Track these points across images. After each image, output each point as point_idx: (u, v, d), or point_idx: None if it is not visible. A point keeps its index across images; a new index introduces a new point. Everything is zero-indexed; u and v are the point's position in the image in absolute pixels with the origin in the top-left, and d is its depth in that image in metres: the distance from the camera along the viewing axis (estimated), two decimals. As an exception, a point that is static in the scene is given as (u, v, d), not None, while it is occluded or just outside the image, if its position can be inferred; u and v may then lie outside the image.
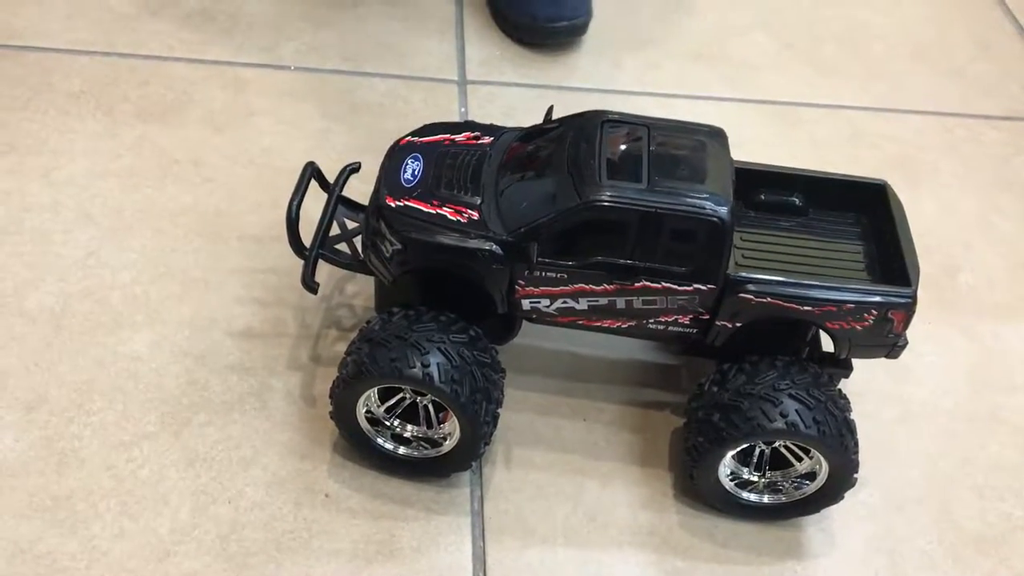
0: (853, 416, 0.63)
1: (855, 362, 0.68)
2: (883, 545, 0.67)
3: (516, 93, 0.98)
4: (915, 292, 0.62)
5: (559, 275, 0.62)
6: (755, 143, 0.96)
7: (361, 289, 0.76)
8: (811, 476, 0.64)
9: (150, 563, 0.61)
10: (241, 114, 0.90)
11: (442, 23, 1.04)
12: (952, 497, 0.71)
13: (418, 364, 0.60)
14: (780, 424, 0.60)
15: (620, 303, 0.63)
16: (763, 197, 0.69)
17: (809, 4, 1.15)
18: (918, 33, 1.13)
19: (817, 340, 0.68)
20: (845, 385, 0.72)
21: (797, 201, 0.69)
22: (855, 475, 0.63)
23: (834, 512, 0.67)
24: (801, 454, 0.64)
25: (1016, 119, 1.04)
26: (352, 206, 0.70)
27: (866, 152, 0.97)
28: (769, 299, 0.62)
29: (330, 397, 0.64)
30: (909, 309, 0.62)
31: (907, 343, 0.64)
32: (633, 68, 1.03)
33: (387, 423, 0.65)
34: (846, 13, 1.14)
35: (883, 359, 0.66)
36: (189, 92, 0.92)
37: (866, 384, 0.75)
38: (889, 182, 0.71)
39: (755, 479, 0.65)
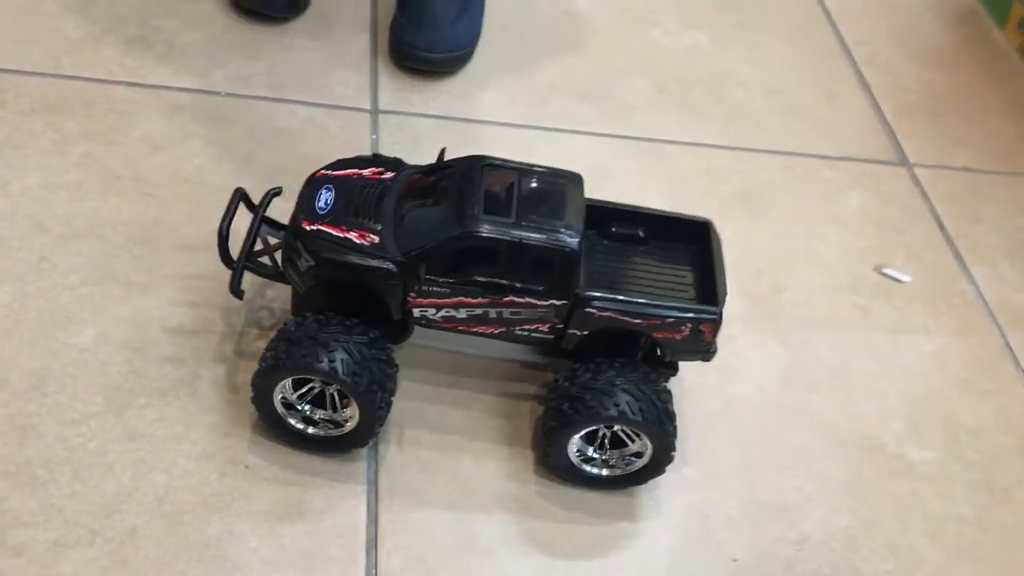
0: (676, 407, 0.80)
1: (685, 365, 0.84)
2: (699, 510, 0.84)
3: (422, 123, 1.12)
4: (720, 311, 0.79)
5: (443, 290, 0.77)
6: (624, 175, 1.12)
7: (279, 295, 0.90)
8: (639, 454, 0.80)
9: (99, 519, 0.74)
10: (177, 135, 1.03)
11: (358, 56, 1.18)
12: (757, 474, 0.88)
13: (325, 359, 0.74)
14: (613, 412, 0.76)
15: (492, 313, 0.78)
16: (614, 229, 0.85)
17: (685, 54, 1.31)
18: (774, 82, 1.31)
19: (654, 345, 0.84)
20: (680, 382, 0.89)
21: (640, 233, 0.85)
22: (672, 453, 0.79)
23: (661, 483, 0.83)
24: (633, 436, 0.80)
25: (848, 160, 1.22)
26: (274, 224, 0.84)
27: (717, 186, 1.14)
28: (609, 313, 0.78)
29: (252, 385, 0.77)
30: (716, 323, 0.79)
31: (717, 350, 0.81)
32: (526, 104, 1.18)
33: (299, 408, 0.79)
34: (715, 63, 1.31)
35: (705, 362, 0.83)
36: (130, 113, 1.03)
37: (697, 381, 0.92)
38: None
39: (597, 456, 0.81)
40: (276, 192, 0.84)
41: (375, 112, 1.12)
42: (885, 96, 1.33)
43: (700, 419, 0.90)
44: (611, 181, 1.09)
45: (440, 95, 1.16)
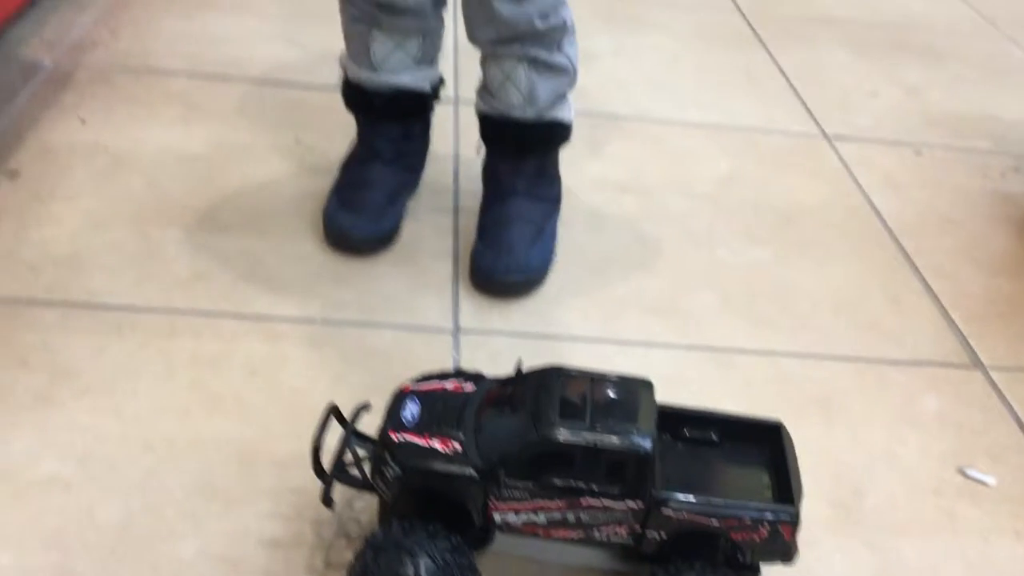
0: None
1: (769, 570, 0.84)
2: None
3: (501, 340, 1.19)
4: (798, 510, 0.80)
5: (522, 494, 0.80)
6: (698, 384, 1.16)
7: (367, 507, 0.93)
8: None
9: None
10: (276, 360, 1.11)
11: (441, 282, 1.27)
12: None
13: (410, 566, 0.77)
14: (695, 616, 0.76)
15: (571, 517, 0.81)
16: (687, 433, 0.88)
17: (749, 269, 1.38)
18: (839, 293, 1.35)
19: (734, 548, 0.85)
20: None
21: (713, 436, 0.88)
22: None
23: None
24: (719, 643, 0.79)
25: (921, 364, 1.24)
26: (363, 438, 0.89)
27: (790, 392, 1.17)
28: (685, 514, 0.79)
29: (341, 594, 0.80)
30: (794, 523, 0.79)
31: (797, 551, 0.81)
32: (598, 319, 1.25)
33: (385, 615, 0.81)
34: (779, 277, 1.37)
35: (787, 564, 0.83)
36: (233, 342, 1.13)
37: (783, 588, 0.91)
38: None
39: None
40: (365, 407, 0.90)
41: (456, 332, 1.19)
42: (952, 303, 1.36)
43: (788, 627, 0.88)
44: (685, 390, 1.12)
45: (517, 314, 1.23)
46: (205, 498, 0.94)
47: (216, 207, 1.34)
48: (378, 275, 1.26)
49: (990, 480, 1.07)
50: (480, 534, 0.84)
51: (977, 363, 1.25)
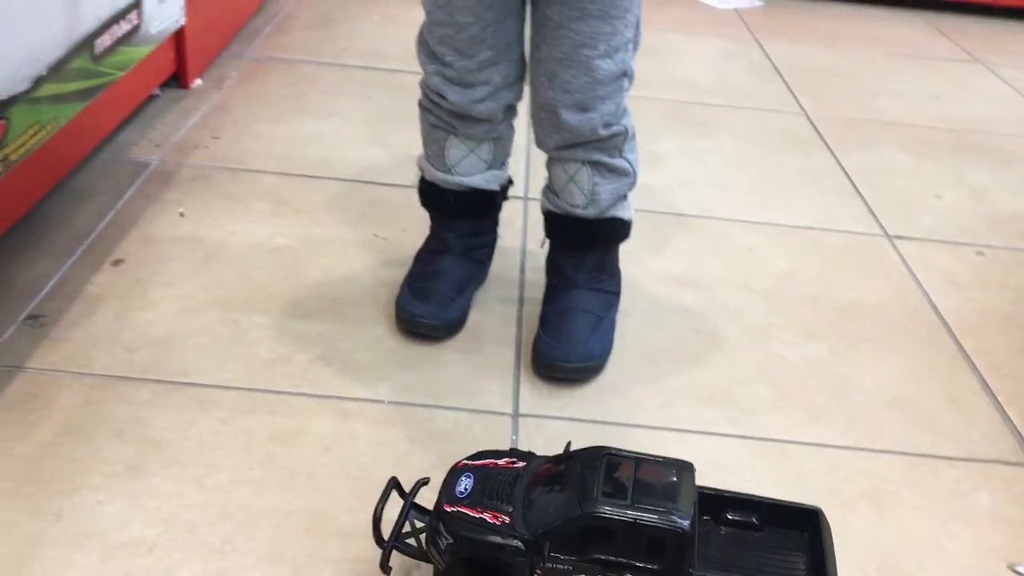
0: None
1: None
2: None
3: (557, 425, 1.24)
4: (832, 593, 0.83)
5: (565, 567, 0.85)
6: (749, 472, 1.19)
7: (419, 567, 0.99)
8: None
9: None
10: (346, 437, 1.18)
11: (503, 368, 1.34)
12: None
13: (460, 631, 0.82)
14: None
15: (612, 590, 0.85)
16: (729, 516, 0.92)
17: (804, 364, 1.41)
18: (895, 388, 1.38)
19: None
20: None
21: (754, 519, 0.92)
22: None
23: None
24: None
25: (976, 461, 1.25)
26: (421, 510, 0.95)
27: (841, 484, 1.19)
28: (721, 592, 0.83)
29: (394, 655, 0.85)
30: (828, 606, 0.82)
31: (834, 633, 0.84)
32: (654, 407, 1.29)
33: None
34: (835, 372, 1.40)
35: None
36: (307, 420, 1.21)
37: (824, 674, 0.93)
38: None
39: None
40: (424, 482, 0.97)
41: (516, 416, 1.25)
42: (1010, 400, 1.37)
43: None
44: (736, 478, 1.16)
45: (575, 401, 1.29)
46: (275, 564, 1.00)
47: (298, 295, 1.44)
48: (444, 360, 1.34)
49: (1042, 577, 1.07)
50: (527, 605, 0.89)
51: (1034, 461, 1.26)
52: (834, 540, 0.91)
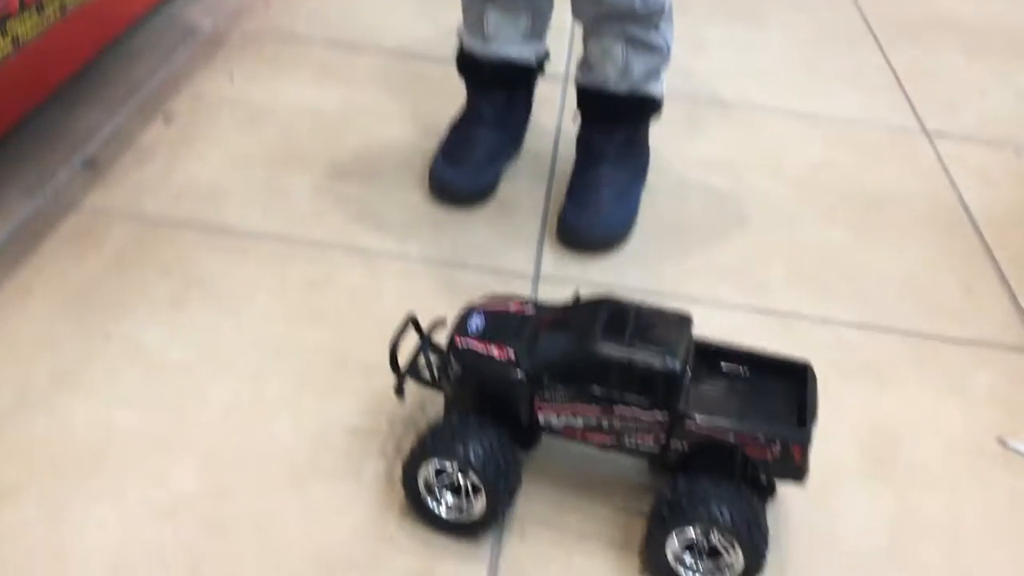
0: (781, 541, 0.89)
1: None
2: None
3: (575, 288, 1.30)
4: (809, 433, 0.88)
5: (563, 398, 0.91)
6: (754, 343, 1.24)
7: (437, 410, 1.06)
8: (731, 566, 0.88)
9: (266, 562, 0.90)
10: (373, 288, 1.25)
11: (529, 235, 1.39)
12: (854, 605, 0.93)
13: (461, 448, 0.90)
14: (704, 514, 0.86)
15: (605, 423, 0.92)
16: (722, 365, 0.98)
17: (825, 247, 1.44)
18: (911, 274, 1.40)
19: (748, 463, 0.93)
20: (787, 520, 0.98)
21: (743, 370, 0.97)
22: (763, 562, 0.87)
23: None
24: (728, 548, 0.88)
25: (981, 344, 1.29)
26: (435, 347, 1.03)
27: (844, 357, 1.23)
28: (705, 428, 0.89)
29: (402, 469, 0.93)
30: (804, 444, 0.88)
31: (809, 471, 0.90)
32: (670, 278, 1.34)
33: (437, 492, 0.94)
34: (854, 257, 1.42)
35: (798, 484, 0.92)
36: (339, 271, 1.28)
37: (803, 519, 0.99)
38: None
39: (691, 562, 0.90)
40: (441, 322, 1.04)
41: (536, 278, 1.31)
42: (1025, 292, 1.39)
43: (803, 553, 0.96)
44: (740, 345, 1.21)
45: (594, 268, 1.34)
46: (301, 391, 1.09)
47: (338, 158, 1.50)
48: (472, 225, 1.39)
49: (1030, 452, 1.12)
50: (527, 435, 0.96)
51: (1039, 348, 1.29)
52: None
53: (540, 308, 1.00)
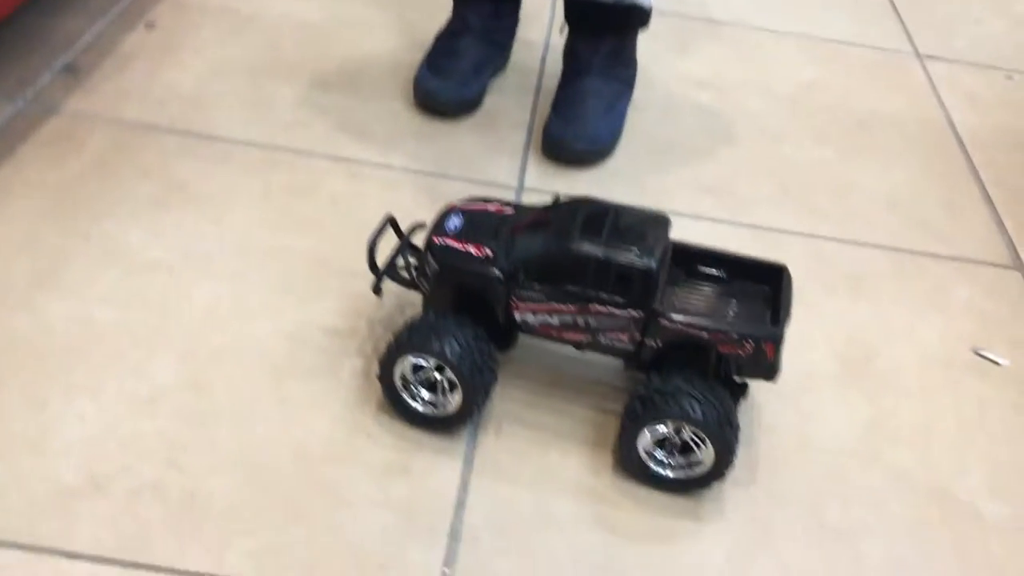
0: (753, 440, 0.90)
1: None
2: (760, 523, 0.91)
3: (560, 202, 1.30)
4: (781, 331, 0.89)
5: (539, 296, 0.92)
6: (736, 253, 1.24)
7: (415, 312, 1.07)
8: (703, 462, 0.90)
9: (247, 455, 0.91)
10: (355, 195, 1.25)
11: (514, 147, 1.38)
12: (823, 502, 0.94)
13: (437, 343, 0.90)
14: (676, 410, 0.87)
15: (580, 321, 0.92)
16: (699, 268, 0.98)
17: (811, 165, 1.44)
18: (896, 192, 1.41)
19: (722, 360, 0.94)
20: (760, 421, 0.99)
21: (718, 272, 0.97)
22: (733, 458, 0.89)
23: (727, 496, 0.92)
24: (700, 443, 0.90)
25: (961, 260, 1.29)
26: (414, 249, 1.03)
27: (825, 270, 1.24)
28: (680, 326, 0.90)
29: (379, 363, 0.94)
30: (776, 342, 0.89)
31: (780, 369, 0.91)
32: (654, 191, 1.34)
33: (413, 388, 0.94)
34: (839, 174, 1.43)
35: (770, 381, 0.93)
36: (321, 178, 1.27)
37: (777, 420, 1.01)
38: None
39: (664, 458, 0.91)
40: (420, 225, 1.03)
41: (520, 190, 1.31)
42: (1008, 212, 1.39)
43: (775, 451, 0.98)
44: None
45: (579, 181, 1.34)
46: (282, 292, 1.09)
47: (322, 67, 1.49)
48: (457, 136, 1.39)
49: (1004, 361, 1.13)
50: (503, 336, 0.97)
51: (1019, 265, 1.29)
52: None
53: (519, 209, 1.00)
